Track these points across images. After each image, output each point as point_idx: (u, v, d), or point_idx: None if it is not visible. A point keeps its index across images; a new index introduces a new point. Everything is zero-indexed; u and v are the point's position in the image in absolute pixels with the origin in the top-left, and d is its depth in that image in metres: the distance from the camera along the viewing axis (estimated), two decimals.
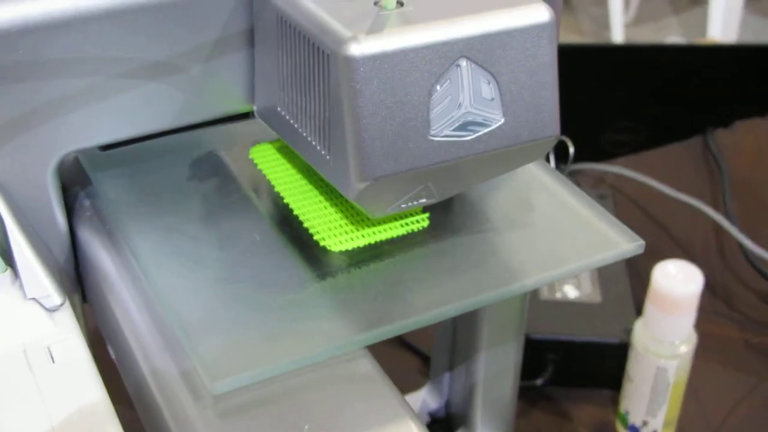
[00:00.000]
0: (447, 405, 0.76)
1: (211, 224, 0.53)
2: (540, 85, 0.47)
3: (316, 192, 0.55)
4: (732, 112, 1.21)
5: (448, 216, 0.54)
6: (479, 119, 0.47)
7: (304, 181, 0.56)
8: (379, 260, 0.51)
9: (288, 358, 0.45)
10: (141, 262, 0.51)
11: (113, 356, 0.56)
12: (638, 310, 0.86)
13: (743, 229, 0.99)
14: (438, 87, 0.45)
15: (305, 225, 0.53)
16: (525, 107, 0.47)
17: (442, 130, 0.46)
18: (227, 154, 0.59)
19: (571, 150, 0.64)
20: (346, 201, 0.54)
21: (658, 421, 0.82)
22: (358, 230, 0.52)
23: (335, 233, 0.52)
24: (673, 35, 1.49)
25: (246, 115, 0.58)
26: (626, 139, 1.26)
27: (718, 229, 1.04)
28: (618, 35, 2.23)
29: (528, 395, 0.86)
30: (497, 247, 0.53)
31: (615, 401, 0.86)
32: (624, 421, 0.83)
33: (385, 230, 0.53)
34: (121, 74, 0.52)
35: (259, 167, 0.57)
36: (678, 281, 0.76)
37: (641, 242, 0.52)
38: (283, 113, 0.50)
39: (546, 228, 0.54)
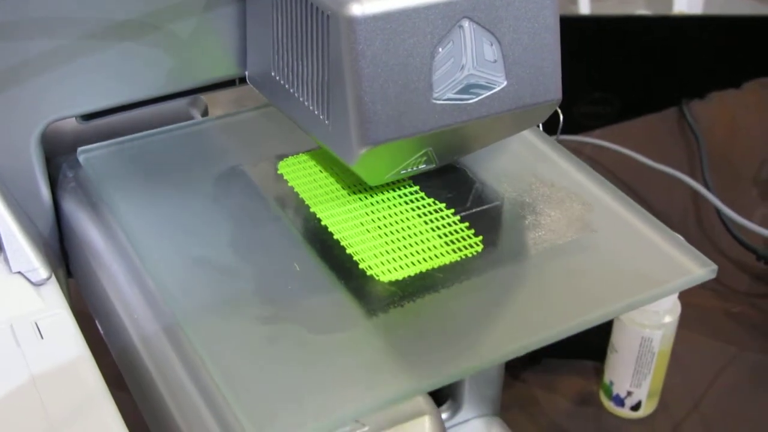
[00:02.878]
0: None
1: (244, 252, 0.48)
2: (542, 47, 0.47)
3: (357, 213, 0.50)
4: (707, 84, 1.21)
5: (503, 238, 0.50)
6: (482, 81, 0.46)
7: (341, 201, 0.51)
8: (433, 292, 0.46)
9: (345, 412, 0.40)
10: (175, 306, 0.46)
11: (100, 329, 0.55)
12: None
13: (721, 199, 0.99)
14: (440, 49, 0.44)
15: (348, 251, 0.48)
16: (527, 70, 0.47)
17: (444, 93, 0.45)
18: (251, 168, 0.54)
19: (561, 118, 0.62)
20: (391, 223, 0.50)
21: (642, 391, 0.81)
22: (407, 257, 0.48)
23: (382, 260, 0.47)
24: (640, 9, 1.48)
25: (232, 83, 0.57)
26: (599, 111, 1.25)
27: (696, 199, 1.04)
28: (585, 8, 2.22)
29: (512, 368, 0.86)
30: (558, 275, 0.48)
31: (599, 372, 0.86)
32: (608, 391, 0.83)
33: (436, 256, 0.48)
34: (104, 36, 0.50)
35: (290, 184, 0.53)
36: None
37: (714, 267, 0.49)
38: (277, 78, 0.49)
39: (611, 252, 0.50)
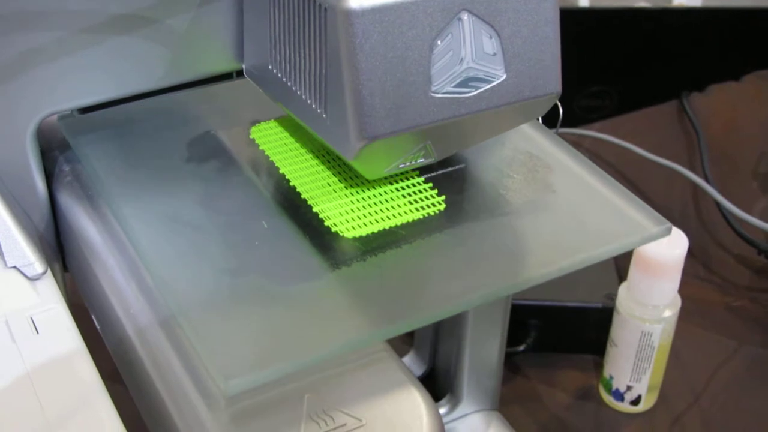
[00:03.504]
0: (432, 372, 0.76)
1: (213, 209, 0.50)
2: (542, 40, 0.46)
3: (323, 174, 0.52)
4: (707, 76, 1.21)
5: (465, 199, 0.52)
6: (481, 75, 0.45)
7: (309, 163, 0.53)
8: (395, 247, 0.48)
9: (304, 355, 0.42)
10: (145, 259, 0.47)
11: (97, 324, 0.54)
12: (620, 275, 0.85)
13: (721, 193, 0.99)
14: (439, 42, 0.44)
15: (315, 210, 0.50)
16: (527, 63, 0.46)
17: (443, 86, 0.44)
18: (225, 133, 0.56)
19: (561, 111, 0.62)
20: (357, 184, 0.51)
21: (642, 386, 0.81)
22: (371, 215, 0.49)
23: (347, 218, 0.49)
24: (640, 1, 1.48)
25: (230, 76, 0.57)
26: (598, 104, 1.25)
27: (696, 192, 1.04)
28: (584, 0, 2.22)
29: (511, 361, 0.86)
30: (517, 233, 0.50)
31: (598, 366, 0.86)
32: (608, 386, 0.83)
33: (400, 215, 0.50)
34: (100, 29, 0.50)
35: (261, 147, 0.54)
36: (663, 245, 0.75)
37: (668, 225, 0.50)
38: (274, 71, 0.49)
39: (568, 211, 0.52)
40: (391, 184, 0.51)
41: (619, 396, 0.82)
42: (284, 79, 0.48)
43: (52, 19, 0.49)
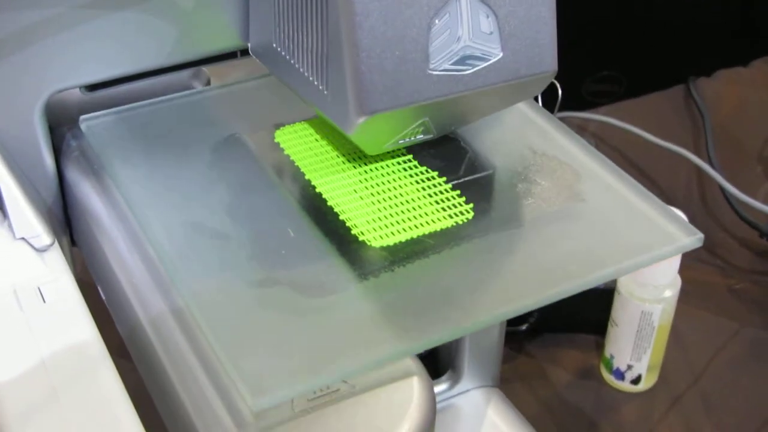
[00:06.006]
0: (433, 351, 0.76)
1: (238, 216, 0.49)
2: (538, 20, 0.47)
3: (350, 181, 0.51)
4: (714, 61, 1.21)
5: (493, 207, 0.50)
6: (478, 53, 0.46)
7: (335, 168, 0.52)
8: (423, 257, 0.47)
9: (333, 371, 0.41)
10: (171, 269, 0.46)
11: (103, 297, 0.55)
12: None
13: (725, 177, 0.99)
14: (437, 20, 0.45)
15: (342, 218, 0.49)
16: (523, 42, 0.47)
17: (441, 63, 0.45)
18: (250, 136, 0.55)
19: (560, 92, 0.63)
20: (383, 190, 0.50)
21: (642, 365, 0.82)
22: (398, 223, 0.49)
23: (374, 227, 0.48)
24: None
25: (234, 55, 0.57)
26: (606, 89, 1.25)
27: (700, 176, 1.05)
28: None
29: (513, 341, 0.86)
30: (546, 244, 0.49)
31: (599, 346, 0.87)
32: (609, 365, 0.84)
33: (427, 223, 0.49)
34: (108, 6, 0.51)
35: (286, 152, 0.53)
36: None
37: (700, 235, 0.49)
38: (278, 49, 0.50)
39: (597, 221, 0.50)
40: (418, 191, 0.51)
41: (620, 375, 0.83)
42: (288, 57, 0.49)
43: None
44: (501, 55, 0.47)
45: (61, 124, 0.58)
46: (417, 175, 0.52)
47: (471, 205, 0.50)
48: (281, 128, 0.55)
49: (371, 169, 0.52)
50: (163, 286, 0.49)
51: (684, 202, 1.03)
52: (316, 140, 0.54)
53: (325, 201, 0.50)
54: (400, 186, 0.51)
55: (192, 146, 0.54)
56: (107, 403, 0.42)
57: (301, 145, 0.54)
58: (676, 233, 0.49)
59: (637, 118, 1.09)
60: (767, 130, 1.13)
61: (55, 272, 0.49)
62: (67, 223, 0.58)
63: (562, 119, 1.09)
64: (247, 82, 0.59)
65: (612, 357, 0.83)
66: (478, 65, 0.46)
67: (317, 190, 0.50)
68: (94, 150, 0.54)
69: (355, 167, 0.52)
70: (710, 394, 0.83)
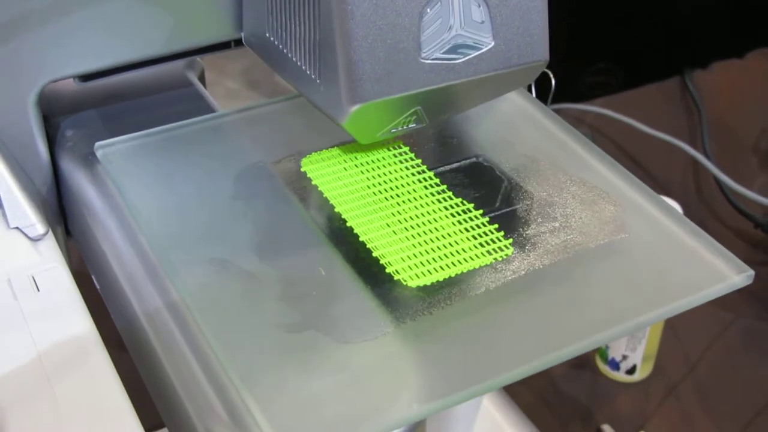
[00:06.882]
0: None
1: (265, 253, 0.47)
2: (530, 9, 0.47)
3: (381, 214, 0.49)
4: (710, 53, 1.21)
5: (532, 241, 0.48)
6: (469, 42, 0.46)
7: (366, 201, 0.50)
8: (462, 298, 0.44)
9: (366, 428, 0.39)
10: (195, 311, 0.44)
11: (97, 286, 0.55)
12: None
13: (720, 168, 0.99)
14: (429, 9, 0.45)
15: (375, 254, 0.46)
16: (515, 31, 0.47)
17: (432, 52, 0.45)
18: (273, 166, 0.52)
19: (553, 83, 0.63)
20: (417, 225, 0.48)
21: (637, 356, 0.82)
22: (434, 261, 0.46)
23: (409, 264, 0.46)
24: None
25: (227, 45, 0.58)
26: (604, 81, 1.25)
27: (695, 168, 1.05)
28: None
29: None
30: (591, 283, 0.46)
31: None
32: (604, 355, 0.84)
33: (465, 261, 0.46)
34: None
35: (314, 182, 0.51)
36: None
37: (751, 272, 0.46)
38: (271, 39, 0.50)
39: (642, 257, 0.48)
40: (454, 224, 0.48)
41: (615, 365, 0.84)
42: (281, 47, 0.49)
43: None
44: (493, 44, 0.47)
45: (55, 114, 0.58)
46: (452, 207, 0.50)
47: (509, 240, 0.48)
48: (307, 156, 0.53)
49: (403, 201, 0.50)
50: (157, 277, 0.49)
51: (679, 193, 1.03)
52: (345, 169, 0.52)
53: (356, 236, 0.48)
54: (434, 219, 0.49)
55: (214, 176, 0.52)
56: (101, 391, 0.43)
57: (328, 174, 0.51)
58: (725, 271, 0.46)
59: (633, 109, 1.09)
60: (762, 122, 1.13)
61: (49, 261, 0.50)
62: (61, 213, 0.58)
63: (557, 111, 1.09)
64: (264, 106, 0.57)
65: (607, 347, 0.83)
66: (470, 54, 0.46)
67: (348, 223, 0.48)
68: (111, 179, 0.52)
69: (386, 198, 0.50)
70: (705, 383, 0.83)
